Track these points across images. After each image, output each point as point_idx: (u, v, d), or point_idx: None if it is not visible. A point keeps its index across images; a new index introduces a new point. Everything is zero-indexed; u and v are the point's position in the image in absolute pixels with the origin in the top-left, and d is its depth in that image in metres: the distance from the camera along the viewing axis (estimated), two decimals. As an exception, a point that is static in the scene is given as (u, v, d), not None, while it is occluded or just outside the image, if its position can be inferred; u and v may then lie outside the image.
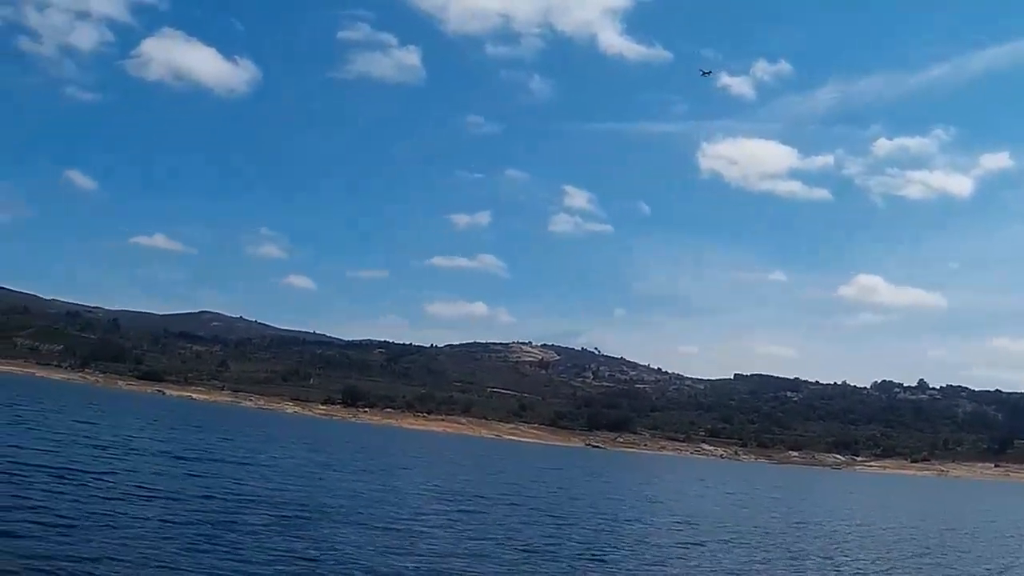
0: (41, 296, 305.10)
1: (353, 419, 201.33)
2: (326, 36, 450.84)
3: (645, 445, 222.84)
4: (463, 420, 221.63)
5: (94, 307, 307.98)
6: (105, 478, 35.60)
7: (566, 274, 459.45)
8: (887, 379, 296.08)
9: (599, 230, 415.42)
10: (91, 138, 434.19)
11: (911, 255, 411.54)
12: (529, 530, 36.75)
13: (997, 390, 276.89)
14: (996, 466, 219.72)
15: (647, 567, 30.55)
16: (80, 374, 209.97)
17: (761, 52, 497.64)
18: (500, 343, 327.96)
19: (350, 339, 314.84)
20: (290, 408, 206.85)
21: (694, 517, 50.63)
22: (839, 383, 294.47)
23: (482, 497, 49.42)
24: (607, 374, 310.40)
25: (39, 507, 26.86)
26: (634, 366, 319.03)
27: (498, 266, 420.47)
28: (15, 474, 32.80)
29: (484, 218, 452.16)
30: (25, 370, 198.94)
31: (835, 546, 43.10)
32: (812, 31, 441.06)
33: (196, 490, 35.90)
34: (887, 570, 36.90)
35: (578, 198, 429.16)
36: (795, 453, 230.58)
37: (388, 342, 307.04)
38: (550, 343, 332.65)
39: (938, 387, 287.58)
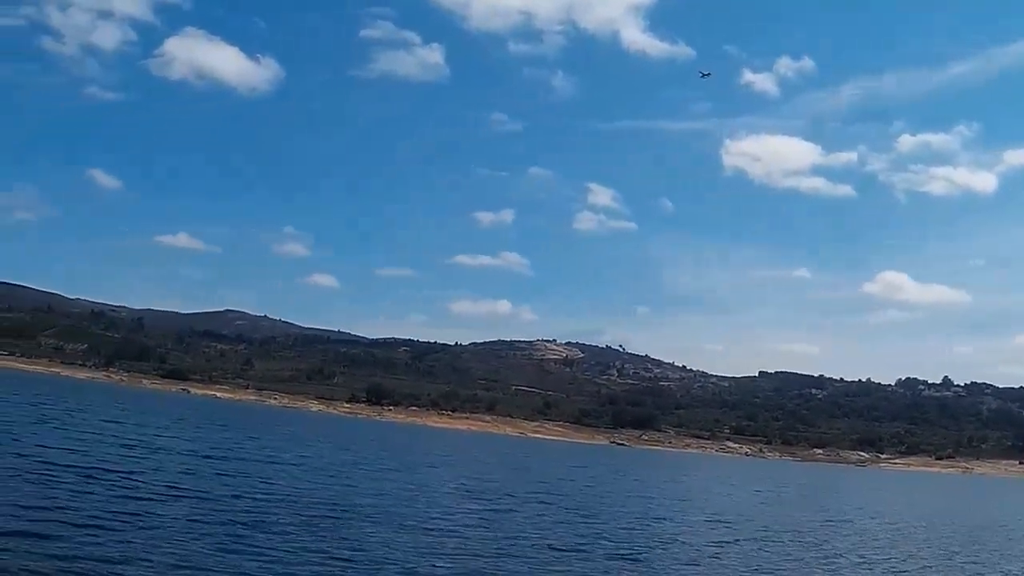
0: (65, 295, 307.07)
1: (378, 417, 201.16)
2: (349, 34, 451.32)
3: (670, 443, 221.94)
4: (488, 418, 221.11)
5: (118, 306, 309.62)
6: (133, 477, 35.41)
7: (590, 272, 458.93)
8: (911, 376, 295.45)
9: (623, 228, 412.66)
10: (114, 137, 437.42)
11: (935, 252, 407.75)
12: (560, 529, 36.43)
13: (1022, 387, 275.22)
14: (1021, 463, 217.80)
15: (682, 566, 30.20)
16: (104, 373, 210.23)
17: (784, 49, 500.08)
18: (524, 341, 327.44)
19: (375, 337, 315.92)
20: (315, 407, 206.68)
21: (724, 515, 50.29)
22: (863, 380, 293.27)
23: (511, 495, 49.10)
24: (631, 372, 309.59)
25: (68, 507, 26.66)
26: (659, 363, 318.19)
27: (522, 264, 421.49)
28: (43, 474, 32.63)
29: (508, 216, 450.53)
30: (50, 369, 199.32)
31: (867, 544, 42.69)
32: (835, 27, 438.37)
33: (224, 489, 35.67)
34: (920, 569, 36.52)
35: (602, 196, 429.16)
36: (820, 451, 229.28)
37: (413, 340, 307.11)
38: (574, 341, 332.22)
39: (963, 384, 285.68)
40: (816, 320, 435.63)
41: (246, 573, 21.83)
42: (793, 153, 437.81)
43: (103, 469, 36.45)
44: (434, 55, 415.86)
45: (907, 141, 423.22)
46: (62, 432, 52.29)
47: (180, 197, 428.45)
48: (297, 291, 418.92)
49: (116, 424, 66.80)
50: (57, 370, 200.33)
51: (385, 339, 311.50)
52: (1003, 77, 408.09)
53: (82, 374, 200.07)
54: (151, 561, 21.35)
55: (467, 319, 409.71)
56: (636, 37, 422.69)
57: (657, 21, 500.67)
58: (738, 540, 38.58)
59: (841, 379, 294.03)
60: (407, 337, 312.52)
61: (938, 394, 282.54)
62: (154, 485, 33.97)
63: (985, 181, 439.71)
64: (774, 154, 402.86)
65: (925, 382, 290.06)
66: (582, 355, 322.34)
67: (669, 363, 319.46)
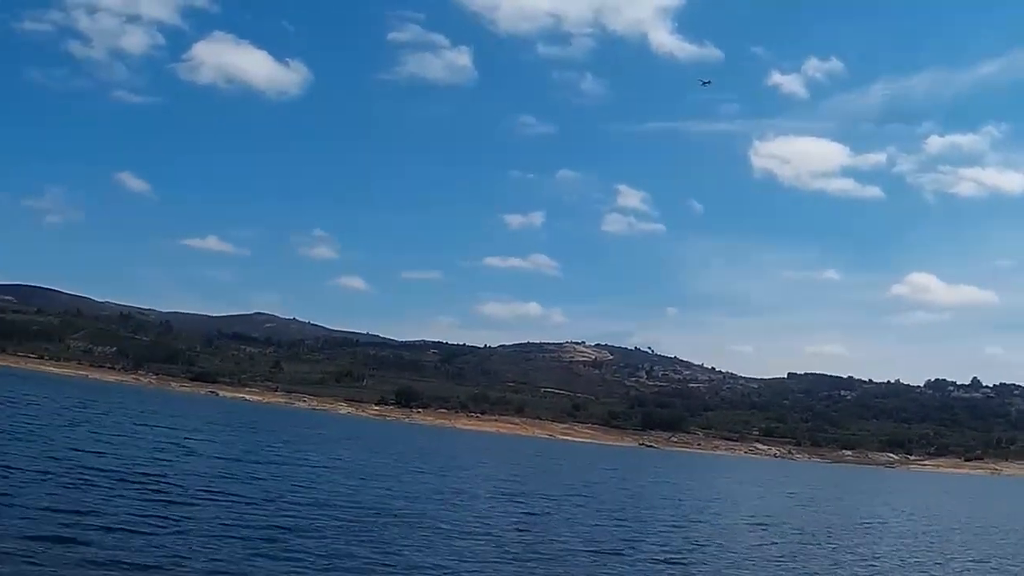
0: (94, 298, 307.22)
1: (407, 420, 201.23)
2: (377, 37, 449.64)
3: (699, 444, 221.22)
4: (517, 420, 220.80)
5: (147, 309, 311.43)
6: (166, 481, 35.16)
7: (619, 274, 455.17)
8: (940, 377, 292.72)
9: (652, 229, 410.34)
10: (143, 141, 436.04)
11: (964, 253, 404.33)
12: (600, 531, 36.07)
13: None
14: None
15: (730, 570, 29.73)
16: (133, 376, 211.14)
17: (812, 50, 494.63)
18: (553, 343, 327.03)
19: (403, 340, 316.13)
20: (344, 409, 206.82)
21: (761, 517, 49.82)
22: (892, 382, 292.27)
23: (546, 498, 48.70)
24: (660, 373, 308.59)
25: (102, 512, 26.35)
26: (687, 365, 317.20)
27: (551, 266, 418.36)
28: (77, 478, 32.39)
29: (537, 218, 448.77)
30: (79, 372, 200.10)
31: (907, 547, 42.27)
32: (863, 28, 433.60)
33: (257, 493, 35.37)
34: (959, 571, 36.15)
35: (631, 198, 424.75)
36: (848, 452, 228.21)
37: (442, 342, 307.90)
38: (603, 343, 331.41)
39: (991, 385, 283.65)
40: (845, 321, 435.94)
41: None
42: (821, 155, 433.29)
43: (137, 472, 36.28)
44: (462, 58, 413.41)
45: (935, 142, 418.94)
46: (94, 435, 52.19)
47: (209, 200, 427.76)
48: (326, 293, 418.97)
49: (147, 427, 66.81)
50: (86, 373, 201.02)
51: (414, 341, 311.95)
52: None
53: (111, 377, 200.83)
54: (185, 566, 21.02)
55: (496, 321, 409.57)
56: (664, 39, 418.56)
57: (685, 23, 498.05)
58: (778, 543, 38.34)
59: (870, 380, 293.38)
60: (436, 339, 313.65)
61: (967, 395, 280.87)
62: (187, 488, 33.70)
63: (1014, 182, 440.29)
64: (803, 156, 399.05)
65: (954, 383, 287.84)
66: (611, 357, 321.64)
67: (698, 365, 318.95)
